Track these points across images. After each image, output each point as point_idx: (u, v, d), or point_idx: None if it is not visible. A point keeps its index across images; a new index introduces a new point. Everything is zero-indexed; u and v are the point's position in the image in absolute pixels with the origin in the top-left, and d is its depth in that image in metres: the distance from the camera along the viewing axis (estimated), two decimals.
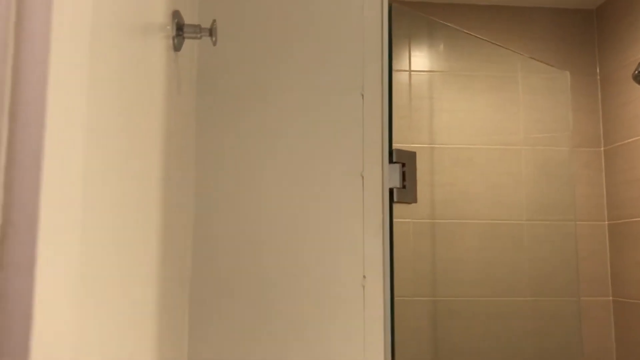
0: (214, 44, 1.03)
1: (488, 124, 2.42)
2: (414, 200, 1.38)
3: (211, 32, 1.07)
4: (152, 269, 0.94)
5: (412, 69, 2.43)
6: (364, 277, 1.26)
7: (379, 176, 1.29)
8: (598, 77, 2.65)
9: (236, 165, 1.26)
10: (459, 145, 2.41)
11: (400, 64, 2.44)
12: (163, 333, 1.01)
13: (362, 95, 1.30)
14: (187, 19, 1.18)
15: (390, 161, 1.33)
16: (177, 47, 1.05)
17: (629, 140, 2.43)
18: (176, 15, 1.04)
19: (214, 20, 1.07)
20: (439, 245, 2.38)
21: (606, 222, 2.43)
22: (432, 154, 2.41)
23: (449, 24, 2.59)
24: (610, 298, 2.40)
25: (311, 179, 1.27)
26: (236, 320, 1.22)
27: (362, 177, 1.28)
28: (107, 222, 0.72)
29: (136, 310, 0.86)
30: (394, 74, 2.43)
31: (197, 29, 1.07)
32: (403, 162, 1.34)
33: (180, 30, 1.06)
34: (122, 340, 0.80)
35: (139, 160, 0.86)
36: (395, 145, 1.36)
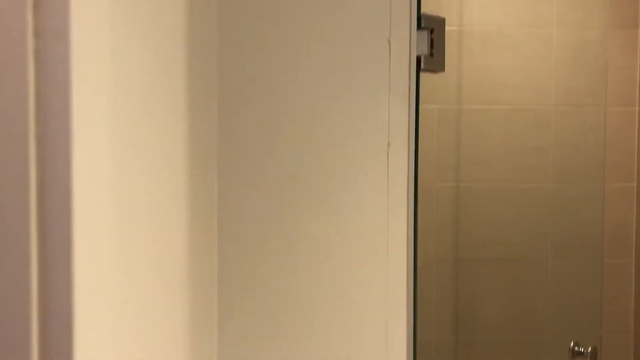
0: None
1: (518, 3, 2.31)
2: (442, 69, 1.35)
3: None
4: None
5: None
6: (389, 144, 1.25)
7: (407, 42, 1.25)
8: None
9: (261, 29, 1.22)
10: (487, 27, 2.33)
11: None
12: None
13: None
14: None
15: (418, 27, 1.28)
16: None
17: None
18: None
19: None
20: (464, 131, 2.35)
21: (637, 108, 2.38)
22: (460, 38, 2.34)
23: None
24: (635, 184, 2.39)
25: (335, 41, 1.24)
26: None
27: (389, 42, 1.25)
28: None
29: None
30: None
31: None
32: (431, 27, 1.30)
33: None
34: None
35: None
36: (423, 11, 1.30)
